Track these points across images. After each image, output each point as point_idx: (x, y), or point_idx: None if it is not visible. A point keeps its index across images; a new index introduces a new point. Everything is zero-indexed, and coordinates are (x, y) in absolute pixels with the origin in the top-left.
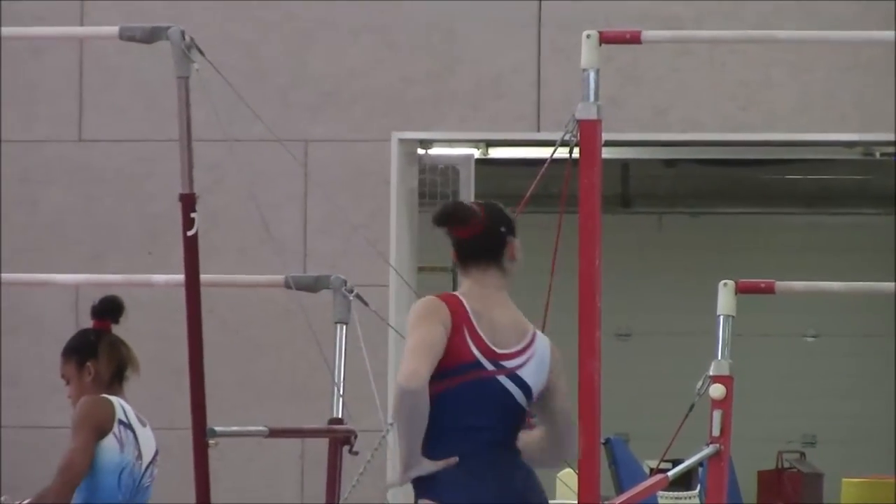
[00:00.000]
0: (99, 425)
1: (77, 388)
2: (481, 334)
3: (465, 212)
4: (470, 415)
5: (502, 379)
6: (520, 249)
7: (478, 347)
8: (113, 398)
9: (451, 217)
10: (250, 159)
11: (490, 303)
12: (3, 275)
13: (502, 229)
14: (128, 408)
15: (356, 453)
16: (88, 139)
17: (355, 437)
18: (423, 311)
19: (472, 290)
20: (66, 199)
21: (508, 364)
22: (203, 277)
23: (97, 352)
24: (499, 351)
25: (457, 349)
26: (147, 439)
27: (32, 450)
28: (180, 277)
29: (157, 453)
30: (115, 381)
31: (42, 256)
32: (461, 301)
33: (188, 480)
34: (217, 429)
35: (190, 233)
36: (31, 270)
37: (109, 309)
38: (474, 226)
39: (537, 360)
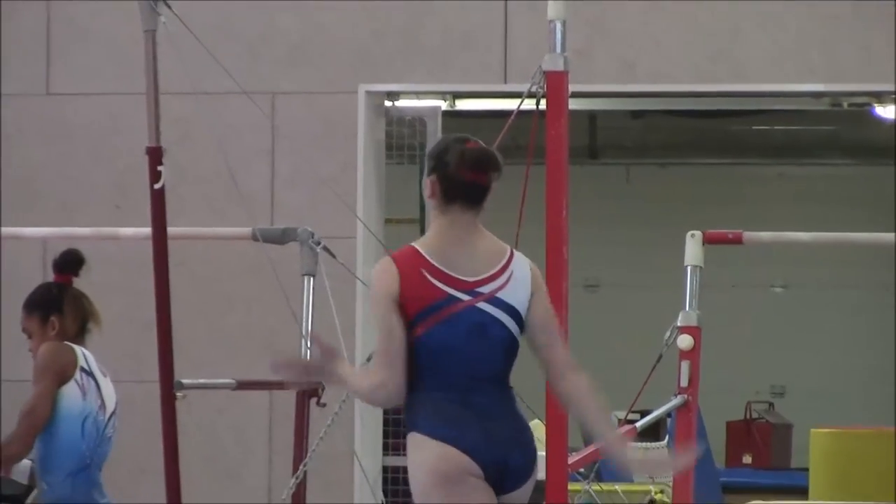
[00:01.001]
0: (61, 371)
1: (40, 341)
2: (445, 270)
3: (496, 160)
4: (455, 351)
5: (482, 305)
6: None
7: (445, 283)
8: (75, 346)
9: (487, 163)
10: (218, 113)
11: (463, 236)
12: None
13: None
14: (90, 356)
15: (324, 405)
16: (56, 93)
17: (323, 389)
18: (377, 289)
19: (444, 229)
20: (34, 154)
21: (485, 289)
22: (170, 230)
23: (62, 306)
24: (471, 280)
25: (423, 293)
26: (109, 390)
27: (17, 404)
28: (148, 231)
29: (117, 405)
30: (79, 335)
31: (10, 211)
32: (416, 251)
33: (156, 433)
34: (185, 381)
35: (157, 186)
36: (1, 224)
37: (71, 262)
38: (496, 176)
39: (517, 280)
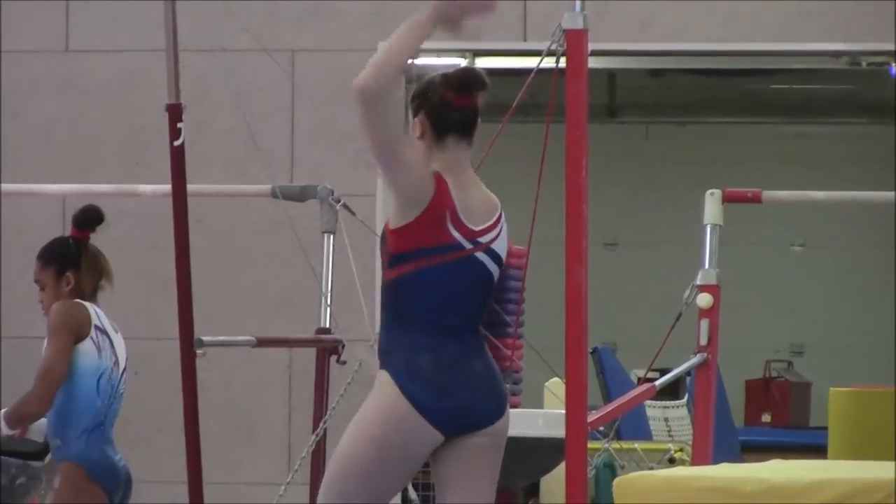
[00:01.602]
0: (76, 329)
1: (53, 295)
2: (460, 215)
3: (483, 78)
4: (446, 296)
5: (479, 255)
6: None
7: (457, 229)
8: (87, 304)
9: (477, 81)
10: (237, 70)
11: (465, 179)
12: None
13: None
14: (101, 314)
15: (344, 363)
16: (75, 49)
17: (343, 346)
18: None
19: (448, 166)
20: (53, 111)
21: (484, 240)
22: (190, 187)
23: (79, 263)
24: (475, 229)
25: (437, 228)
26: (121, 346)
27: (18, 361)
28: (167, 188)
29: (128, 361)
30: (93, 293)
31: (29, 167)
32: (446, 183)
33: (174, 390)
34: (204, 339)
35: (177, 143)
36: (19, 181)
37: (91, 218)
38: (483, 96)
39: (504, 230)
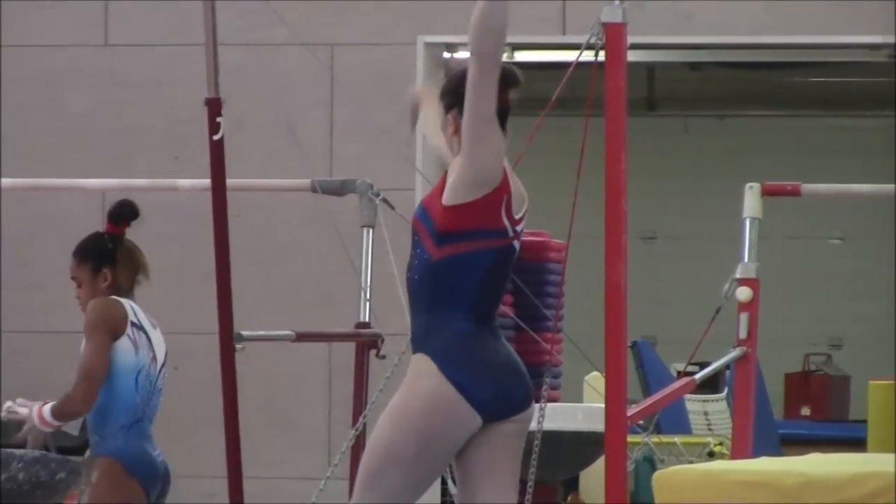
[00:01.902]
0: (113, 327)
1: (90, 291)
2: (512, 202)
3: (518, 75)
4: (489, 284)
5: (515, 243)
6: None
7: (507, 216)
8: (123, 300)
9: (516, 78)
10: (276, 64)
11: (508, 169)
12: (31, 180)
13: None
14: (138, 309)
15: (383, 357)
16: (114, 44)
17: (382, 340)
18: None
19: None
20: (92, 104)
21: (519, 228)
22: (229, 182)
23: (115, 259)
24: (516, 217)
25: (493, 213)
26: (159, 341)
27: (59, 354)
28: (206, 182)
29: (166, 356)
30: (129, 288)
31: (69, 161)
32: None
33: (214, 384)
34: (244, 333)
35: (216, 137)
36: (59, 175)
37: (127, 214)
38: (515, 90)
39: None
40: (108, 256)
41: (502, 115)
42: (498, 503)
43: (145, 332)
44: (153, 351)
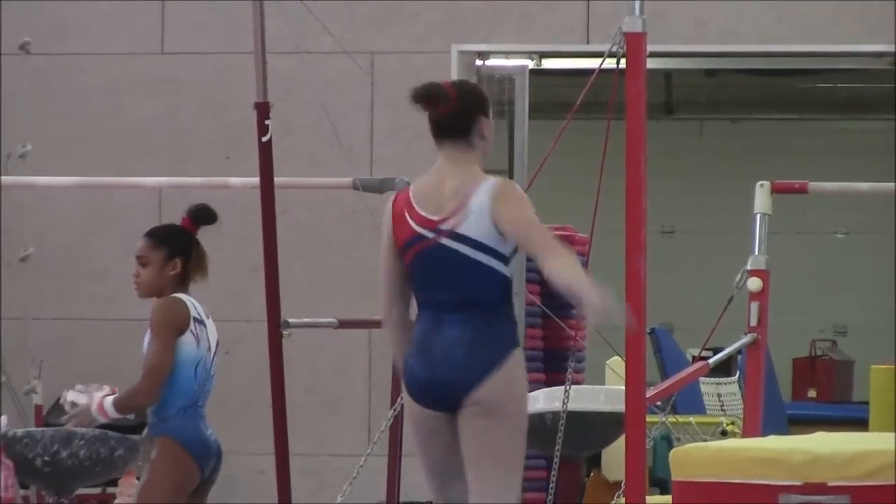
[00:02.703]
0: (179, 325)
1: (154, 274)
2: (419, 211)
3: (437, 92)
4: (427, 284)
5: (445, 241)
6: (490, 128)
7: (417, 222)
8: (184, 297)
9: (423, 97)
10: (320, 70)
11: (443, 175)
12: (94, 178)
13: (473, 109)
14: (197, 304)
15: None
16: (170, 52)
17: None
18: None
19: (438, 166)
20: (149, 108)
21: (446, 227)
22: (276, 180)
23: (190, 253)
24: (437, 218)
25: (402, 230)
26: (213, 331)
27: (117, 342)
28: (255, 180)
29: (218, 343)
30: (187, 284)
31: (128, 161)
32: (407, 192)
33: (262, 368)
34: (290, 321)
35: (264, 139)
36: (119, 174)
37: (208, 217)
38: (445, 105)
39: (475, 213)
40: (184, 249)
41: (435, 126)
42: (478, 486)
43: (205, 326)
44: (209, 341)
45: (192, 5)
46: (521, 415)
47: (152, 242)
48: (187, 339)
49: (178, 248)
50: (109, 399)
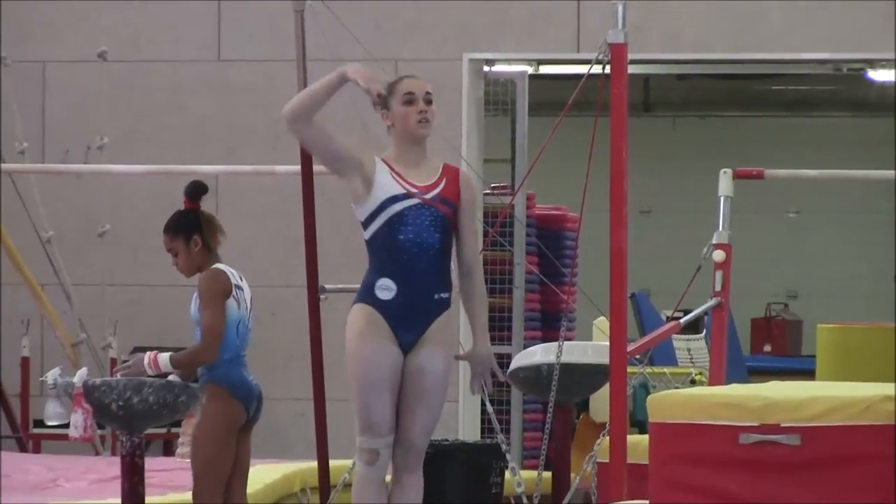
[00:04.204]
0: (224, 292)
1: (186, 258)
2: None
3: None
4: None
5: (428, 196)
6: (392, 116)
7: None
8: (223, 267)
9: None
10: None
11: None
12: (160, 166)
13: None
14: (234, 272)
15: None
16: (225, 59)
17: None
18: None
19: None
20: (207, 107)
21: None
22: (315, 168)
23: (201, 227)
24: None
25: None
26: (248, 292)
27: (178, 305)
28: (297, 168)
29: (252, 300)
30: (215, 250)
31: (189, 151)
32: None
33: (303, 328)
34: (327, 286)
35: None
36: (181, 162)
37: (200, 190)
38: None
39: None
40: (196, 226)
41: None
42: None
43: (242, 289)
44: (246, 302)
45: (244, 20)
46: (351, 355)
47: (170, 235)
48: (230, 304)
49: (190, 229)
50: (164, 355)
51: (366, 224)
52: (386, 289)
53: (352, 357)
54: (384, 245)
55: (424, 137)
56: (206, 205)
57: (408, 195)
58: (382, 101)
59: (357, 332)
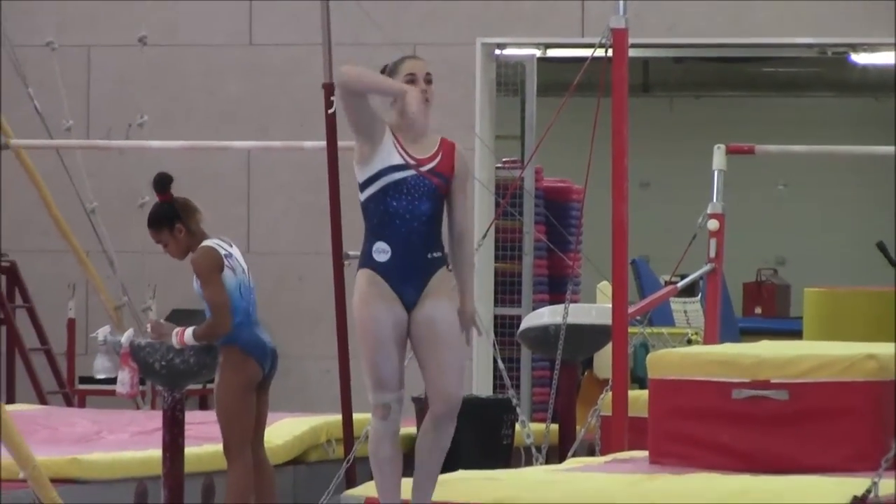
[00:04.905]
0: (218, 266)
1: (175, 245)
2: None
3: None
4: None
5: (424, 169)
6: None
7: (401, 155)
8: (210, 242)
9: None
10: (373, 58)
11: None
12: (196, 142)
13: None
14: (221, 242)
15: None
16: (256, 43)
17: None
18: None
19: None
20: (240, 88)
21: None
22: (339, 143)
23: (179, 216)
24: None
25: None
26: (239, 255)
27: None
28: (323, 144)
29: (245, 260)
30: (199, 227)
31: (221, 129)
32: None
33: (329, 291)
34: (350, 253)
35: (330, 111)
36: (215, 139)
37: (166, 182)
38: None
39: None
40: (175, 216)
41: None
42: None
43: (232, 255)
44: (241, 264)
45: (273, 7)
46: (357, 318)
47: (154, 229)
48: (227, 274)
49: (168, 219)
50: (189, 331)
51: (363, 186)
52: (382, 251)
53: (358, 320)
54: (377, 210)
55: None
56: (238, 180)
57: (406, 166)
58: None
59: (361, 296)
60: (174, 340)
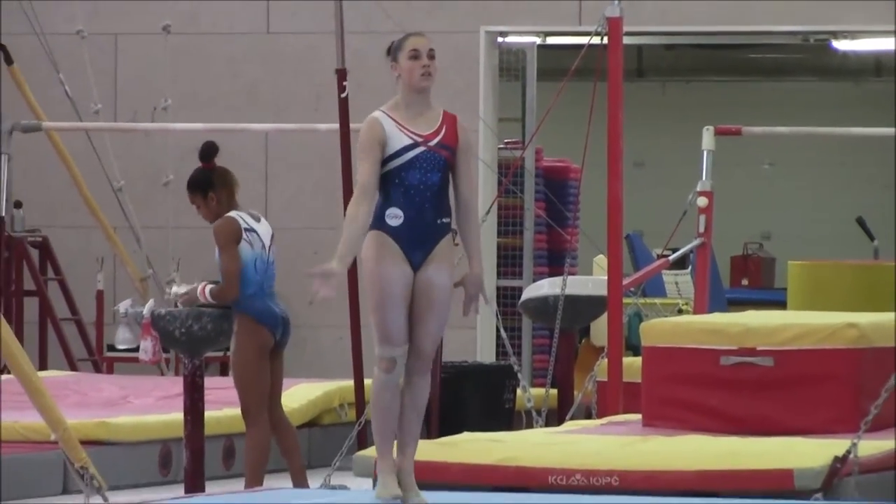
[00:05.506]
0: (234, 238)
1: (206, 210)
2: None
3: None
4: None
5: (432, 144)
6: (399, 68)
7: (408, 135)
8: (235, 214)
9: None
10: (384, 45)
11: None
12: (217, 124)
13: (389, 57)
14: (245, 216)
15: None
16: (274, 31)
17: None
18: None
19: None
20: (258, 73)
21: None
22: (351, 126)
23: (214, 185)
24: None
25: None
26: (265, 231)
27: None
28: (336, 126)
29: (272, 237)
30: (232, 199)
31: (240, 112)
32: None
33: None
34: None
35: (342, 95)
36: (235, 121)
37: (212, 151)
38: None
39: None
40: (209, 184)
41: None
42: None
43: (254, 231)
44: (262, 240)
45: None
46: (367, 275)
47: (191, 192)
48: (243, 246)
49: (205, 186)
50: (209, 288)
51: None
52: (395, 217)
53: (368, 276)
54: (393, 182)
55: (427, 88)
56: (256, 160)
57: (415, 144)
58: (392, 55)
59: (371, 255)
60: (198, 292)
